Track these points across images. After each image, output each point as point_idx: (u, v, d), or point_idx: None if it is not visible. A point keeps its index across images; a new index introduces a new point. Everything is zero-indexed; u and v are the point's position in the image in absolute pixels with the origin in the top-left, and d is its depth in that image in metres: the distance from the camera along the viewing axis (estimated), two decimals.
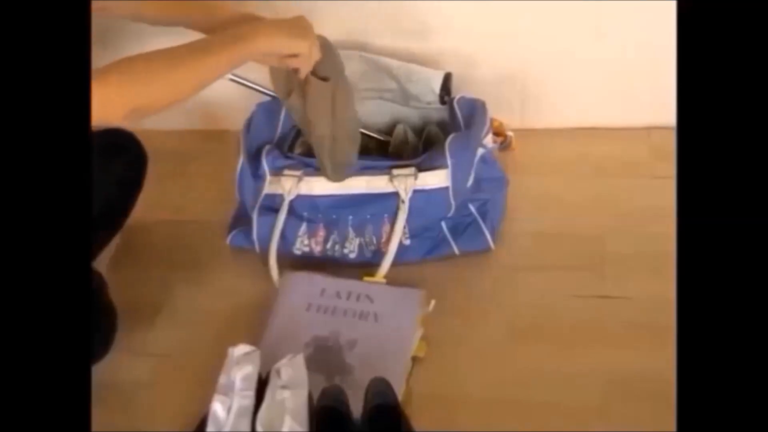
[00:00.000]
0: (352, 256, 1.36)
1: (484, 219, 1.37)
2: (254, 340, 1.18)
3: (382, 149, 1.50)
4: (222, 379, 0.94)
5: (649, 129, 1.55)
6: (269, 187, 1.37)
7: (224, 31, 1.13)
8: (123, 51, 1.04)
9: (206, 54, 1.07)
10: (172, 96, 1.05)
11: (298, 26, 1.16)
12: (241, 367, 0.95)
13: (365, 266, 1.34)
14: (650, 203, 1.40)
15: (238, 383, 0.93)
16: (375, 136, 1.51)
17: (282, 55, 1.16)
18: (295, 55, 1.15)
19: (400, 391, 1.12)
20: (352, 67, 1.53)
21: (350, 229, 1.36)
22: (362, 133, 1.50)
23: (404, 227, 1.33)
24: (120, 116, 0.97)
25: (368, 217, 1.35)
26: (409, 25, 1.53)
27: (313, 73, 1.23)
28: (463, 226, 1.37)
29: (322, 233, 1.36)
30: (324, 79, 1.24)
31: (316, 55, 1.17)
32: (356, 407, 0.95)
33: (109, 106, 0.95)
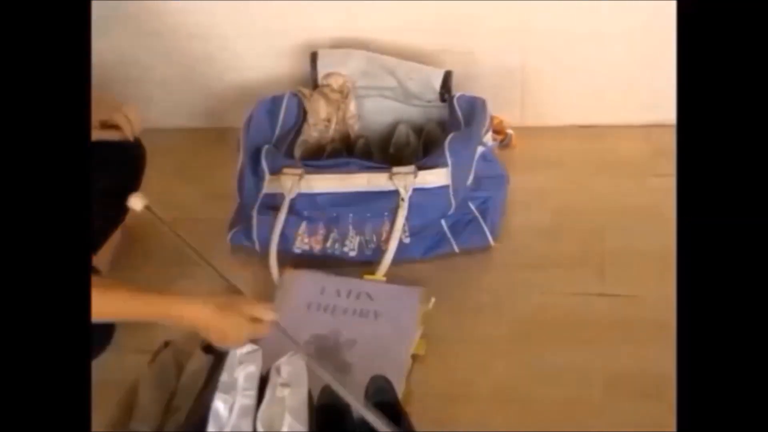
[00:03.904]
0: (352, 254, 1.36)
1: (484, 217, 1.37)
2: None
3: (384, 150, 1.51)
4: (224, 378, 0.94)
5: (649, 127, 1.55)
6: (269, 186, 1.37)
7: None
8: None
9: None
10: None
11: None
12: (243, 366, 0.95)
13: (365, 264, 1.34)
14: (650, 201, 1.40)
15: (241, 382, 0.93)
16: None
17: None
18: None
19: (400, 389, 1.12)
20: (353, 65, 1.53)
21: (350, 227, 1.35)
22: None
23: (404, 225, 1.33)
24: None
25: (368, 215, 1.35)
26: (410, 23, 1.53)
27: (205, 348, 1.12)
28: (463, 224, 1.37)
29: (322, 231, 1.36)
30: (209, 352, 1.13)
31: None
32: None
33: None
